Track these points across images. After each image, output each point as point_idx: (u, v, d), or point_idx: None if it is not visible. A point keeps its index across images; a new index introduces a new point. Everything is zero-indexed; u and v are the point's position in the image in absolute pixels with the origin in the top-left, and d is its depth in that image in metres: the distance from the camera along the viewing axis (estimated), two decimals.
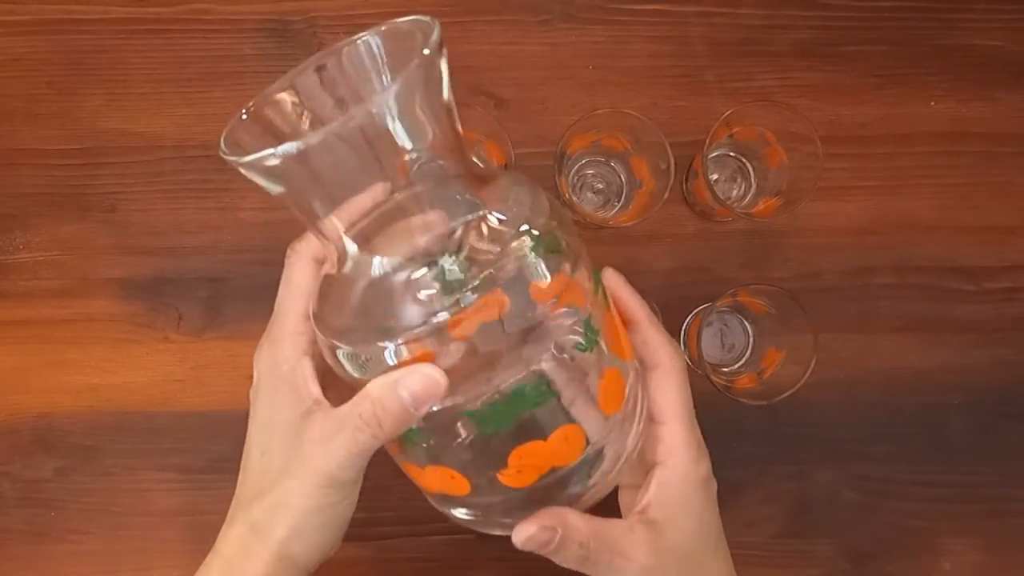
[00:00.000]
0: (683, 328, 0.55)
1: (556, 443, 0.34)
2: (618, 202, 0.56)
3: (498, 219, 0.33)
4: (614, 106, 0.55)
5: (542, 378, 0.32)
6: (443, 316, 0.30)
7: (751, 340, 0.56)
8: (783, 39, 0.57)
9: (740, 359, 0.56)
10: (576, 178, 0.56)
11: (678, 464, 0.37)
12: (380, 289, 0.32)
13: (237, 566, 0.37)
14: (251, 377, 0.54)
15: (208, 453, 0.55)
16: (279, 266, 0.55)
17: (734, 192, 0.56)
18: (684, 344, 0.55)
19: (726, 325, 0.56)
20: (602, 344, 0.34)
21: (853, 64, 0.57)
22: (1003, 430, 0.55)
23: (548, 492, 0.35)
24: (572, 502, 0.36)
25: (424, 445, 0.35)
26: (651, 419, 0.38)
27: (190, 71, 0.56)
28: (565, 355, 0.33)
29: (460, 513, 0.37)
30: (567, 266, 0.32)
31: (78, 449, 0.54)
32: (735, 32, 0.57)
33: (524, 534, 0.35)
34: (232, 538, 0.38)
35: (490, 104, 0.56)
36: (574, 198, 0.55)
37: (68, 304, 0.55)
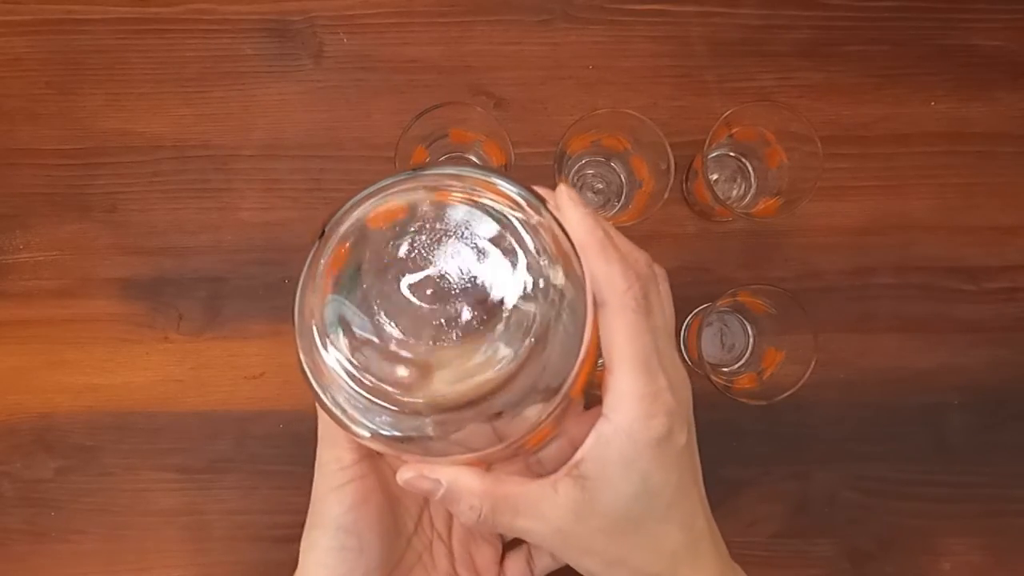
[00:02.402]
0: (683, 328, 0.55)
1: None
2: (618, 202, 0.56)
3: None
4: (614, 106, 0.55)
5: None
6: None
7: (751, 340, 0.56)
8: (783, 39, 0.57)
9: (740, 359, 0.56)
10: (576, 178, 0.56)
11: (623, 420, 0.32)
12: None
13: None
14: (252, 377, 0.55)
15: (208, 453, 0.55)
16: (279, 266, 0.55)
17: (734, 192, 0.56)
18: (684, 344, 0.55)
19: (726, 325, 0.56)
20: None
21: (853, 64, 0.57)
22: (1003, 430, 0.55)
23: None
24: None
25: None
26: (606, 367, 0.33)
27: (190, 71, 0.56)
28: None
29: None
30: None
31: (78, 449, 0.54)
32: (735, 32, 0.57)
33: (403, 476, 0.34)
34: None
35: (490, 104, 0.56)
36: None
37: (68, 304, 0.55)
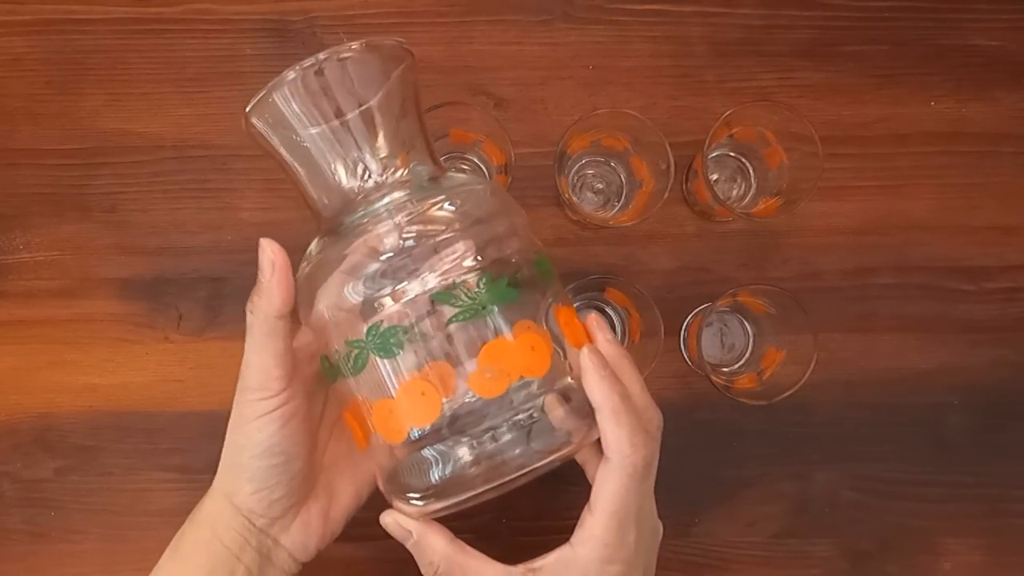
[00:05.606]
0: (683, 328, 0.55)
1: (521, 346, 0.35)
2: (618, 202, 0.56)
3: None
4: (614, 106, 0.55)
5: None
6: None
7: (751, 340, 0.56)
8: (783, 39, 0.57)
9: (740, 359, 0.56)
10: (576, 178, 0.56)
11: (585, 555, 0.37)
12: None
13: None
14: None
15: (208, 453, 0.54)
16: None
17: (734, 192, 0.56)
18: (684, 344, 0.55)
19: (726, 325, 0.56)
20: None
21: (853, 64, 0.57)
22: (1003, 430, 0.55)
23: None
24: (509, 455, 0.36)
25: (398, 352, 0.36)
26: (589, 504, 0.37)
27: (190, 71, 0.56)
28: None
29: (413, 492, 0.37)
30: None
31: (78, 449, 0.54)
32: (735, 32, 0.57)
33: (386, 518, 0.38)
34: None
35: (490, 104, 0.56)
36: (574, 198, 0.55)
37: (68, 304, 0.55)
